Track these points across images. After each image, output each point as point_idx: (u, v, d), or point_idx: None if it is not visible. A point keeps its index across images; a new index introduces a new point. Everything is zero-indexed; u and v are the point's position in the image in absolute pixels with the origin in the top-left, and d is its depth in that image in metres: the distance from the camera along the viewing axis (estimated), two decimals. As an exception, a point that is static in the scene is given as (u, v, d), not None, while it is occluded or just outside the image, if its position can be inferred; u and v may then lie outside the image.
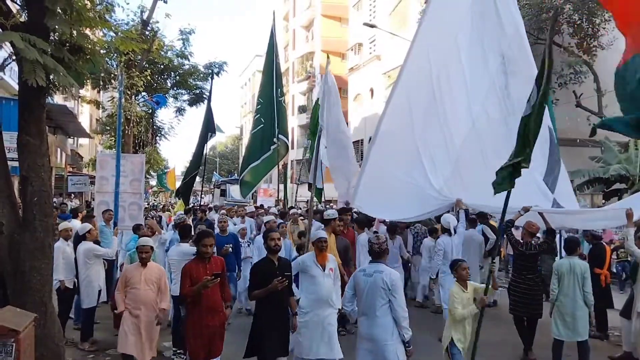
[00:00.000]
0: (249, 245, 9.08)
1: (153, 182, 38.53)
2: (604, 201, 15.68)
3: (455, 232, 7.48)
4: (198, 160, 15.13)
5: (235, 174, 49.11)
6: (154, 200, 42.84)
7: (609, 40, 16.26)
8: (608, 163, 15.63)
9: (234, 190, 23.62)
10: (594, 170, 15.55)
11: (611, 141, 16.30)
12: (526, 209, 6.42)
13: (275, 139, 12.91)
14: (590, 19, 16.13)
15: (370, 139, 24.48)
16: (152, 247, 5.90)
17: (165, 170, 32.95)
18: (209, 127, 14.99)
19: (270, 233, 5.00)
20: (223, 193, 31.11)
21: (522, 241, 6.81)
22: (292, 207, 14.81)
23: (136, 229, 8.27)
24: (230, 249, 7.72)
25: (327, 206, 14.59)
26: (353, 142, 26.08)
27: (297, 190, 18.01)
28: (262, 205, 16.51)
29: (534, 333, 6.70)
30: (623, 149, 16.16)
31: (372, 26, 22.93)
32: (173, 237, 8.25)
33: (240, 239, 8.74)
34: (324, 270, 5.19)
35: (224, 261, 5.25)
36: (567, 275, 6.04)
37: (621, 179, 15.07)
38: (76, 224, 7.97)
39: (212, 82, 16.89)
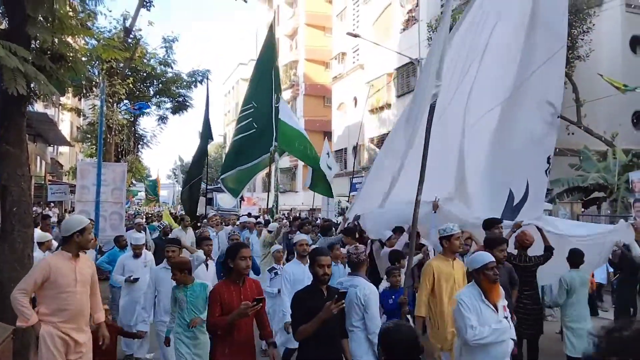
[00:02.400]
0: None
1: (133, 189, 38.15)
2: (583, 209, 15.93)
3: None
4: (200, 167, 15.23)
5: (221, 183, 48.90)
6: (139, 208, 42.20)
7: (586, 51, 16.60)
8: (587, 172, 15.90)
9: (222, 199, 23.41)
10: (573, 179, 15.80)
11: (590, 150, 16.61)
12: (518, 225, 6.27)
13: (271, 147, 12.86)
14: (569, 30, 16.43)
15: (353, 147, 24.40)
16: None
17: (154, 179, 32.75)
18: (208, 133, 15.16)
19: (318, 257, 3.92)
20: (209, 202, 30.83)
21: (515, 254, 6.18)
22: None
23: (117, 240, 8.35)
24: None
25: (318, 216, 14.58)
26: (336, 150, 26.18)
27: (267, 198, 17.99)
28: (249, 214, 16.32)
29: (538, 354, 6.08)
30: (601, 157, 16.45)
31: (355, 36, 23.09)
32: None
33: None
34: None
35: (259, 284, 4.34)
36: (580, 289, 5.81)
37: (600, 187, 15.33)
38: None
39: (208, 88, 16.89)
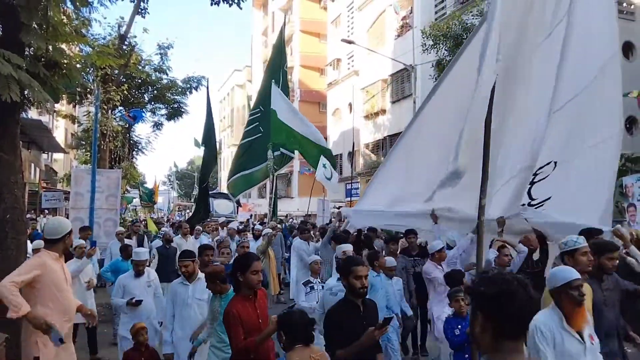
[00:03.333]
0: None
1: (128, 196, 37.98)
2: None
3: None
4: (206, 173, 15.33)
5: (218, 189, 48.85)
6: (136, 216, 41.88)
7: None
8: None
9: (218, 205, 23.38)
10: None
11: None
12: (501, 222, 5.83)
13: (269, 154, 12.87)
14: (562, 36, 16.59)
15: (349, 153, 24.43)
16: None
17: (151, 188, 32.62)
18: (210, 139, 15.19)
19: (354, 268, 3.51)
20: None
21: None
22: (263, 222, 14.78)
23: (122, 249, 7.95)
24: None
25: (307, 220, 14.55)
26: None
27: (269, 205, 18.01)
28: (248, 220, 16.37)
29: None
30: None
31: (350, 42, 23.21)
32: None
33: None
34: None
35: (265, 292, 4.12)
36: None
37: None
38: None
39: (208, 95, 16.88)
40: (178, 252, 7.53)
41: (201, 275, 5.08)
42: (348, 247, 5.83)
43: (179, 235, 10.44)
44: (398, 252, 7.61)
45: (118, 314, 7.23)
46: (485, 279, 1.82)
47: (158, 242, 9.95)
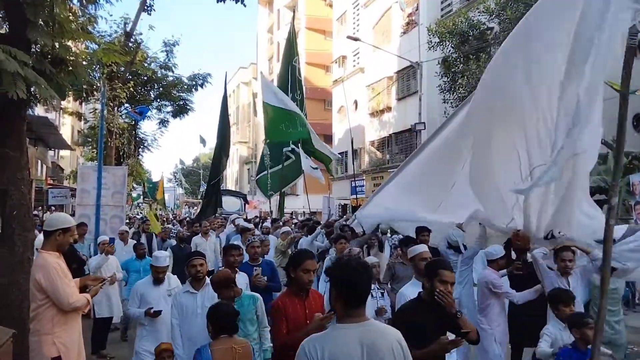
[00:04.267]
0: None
1: (134, 194, 38.11)
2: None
3: (465, 248, 6.59)
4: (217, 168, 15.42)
5: (224, 186, 48.89)
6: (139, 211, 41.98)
7: (587, 54, 16.60)
8: (588, 174, 15.86)
9: (226, 202, 23.48)
10: (574, 181, 15.78)
11: (590, 153, 16.55)
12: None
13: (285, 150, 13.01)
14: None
15: (354, 151, 24.44)
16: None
17: (156, 182, 32.68)
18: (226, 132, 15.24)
19: (441, 271, 3.36)
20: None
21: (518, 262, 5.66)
22: (276, 220, 14.63)
23: (135, 248, 8.01)
24: (263, 280, 5.59)
25: (312, 217, 14.52)
26: (337, 153, 26.05)
27: (278, 202, 18.00)
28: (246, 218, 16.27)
29: None
30: (602, 160, 16.44)
31: (355, 39, 23.15)
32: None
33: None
34: None
35: (323, 297, 3.89)
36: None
37: (600, 190, 15.30)
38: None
39: (226, 89, 16.85)
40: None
41: (208, 280, 4.67)
42: (423, 248, 4.96)
43: (199, 235, 9.92)
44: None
45: (130, 323, 7.17)
46: (339, 265, 2.59)
47: (171, 242, 9.96)
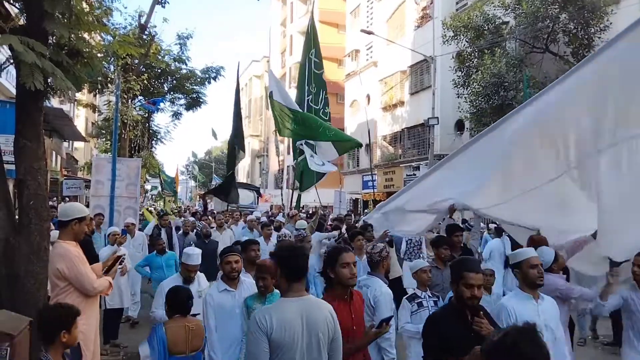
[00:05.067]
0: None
1: (148, 186, 38.37)
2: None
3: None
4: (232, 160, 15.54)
5: (237, 179, 49.02)
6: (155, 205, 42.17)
7: (604, 49, 16.37)
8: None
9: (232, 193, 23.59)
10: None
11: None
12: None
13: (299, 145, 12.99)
14: (586, 28, 16.26)
15: (366, 145, 24.48)
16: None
17: (172, 177, 32.95)
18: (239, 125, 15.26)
19: (465, 273, 3.05)
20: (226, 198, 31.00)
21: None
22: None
23: (153, 243, 7.98)
24: None
25: (323, 211, 14.53)
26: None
27: (292, 195, 18.00)
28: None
29: None
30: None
31: (369, 33, 23.03)
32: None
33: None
34: None
35: (361, 294, 3.66)
36: None
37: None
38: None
39: (238, 80, 16.95)
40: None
41: (244, 277, 4.45)
42: (532, 253, 4.20)
43: (214, 228, 9.81)
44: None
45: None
46: (281, 247, 3.15)
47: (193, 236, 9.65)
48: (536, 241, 5.35)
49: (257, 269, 3.93)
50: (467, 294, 3.02)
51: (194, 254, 4.94)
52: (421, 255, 9.85)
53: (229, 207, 16.96)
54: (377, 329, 3.11)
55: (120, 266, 4.94)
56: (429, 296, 4.74)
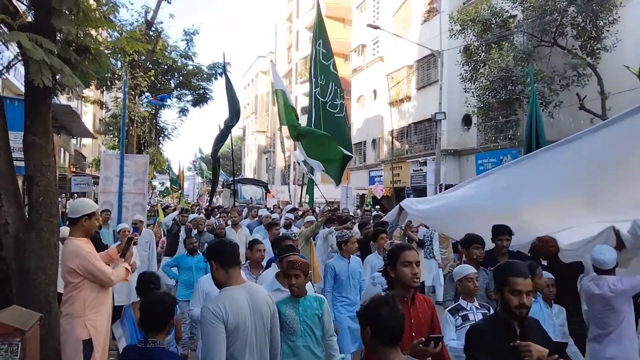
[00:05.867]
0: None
1: (155, 182, 38.53)
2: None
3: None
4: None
5: (243, 174, 49.03)
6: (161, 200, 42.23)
7: (613, 42, 16.23)
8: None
9: (246, 191, 23.57)
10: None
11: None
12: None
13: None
14: (594, 21, 16.11)
15: (373, 141, 24.27)
16: None
17: (177, 174, 33.11)
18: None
19: (512, 279, 2.73)
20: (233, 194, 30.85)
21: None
22: (295, 209, 14.41)
23: (185, 242, 7.47)
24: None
25: (328, 207, 14.47)
26: (355, 144, 26.03)
27: (301, 191, 18.02)
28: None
29: None
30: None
31: (375, 27, 22.94)
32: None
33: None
34: None
35: (432, 303, 3.31)
36: None
37: None
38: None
39: (225, 71, 16.95)
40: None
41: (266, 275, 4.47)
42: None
43: (229, 226, 9.44)
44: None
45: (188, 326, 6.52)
46: (214, 242, 3.56)
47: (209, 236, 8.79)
48: (545, 241, 5.23)
49: (289, 265, 3.74)
50: (514, 302, 2.68)
51: None
52: (433, 251, 9.81)
53: (237, 204, 17.00)
54: (424, 346, 2.69)
55: (133, 240, 4.99)
56: (476, 307, 4.07)
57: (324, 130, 12.72)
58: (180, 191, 32.98)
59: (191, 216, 9.96)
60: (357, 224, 9.47)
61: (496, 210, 5.69)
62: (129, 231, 7.45)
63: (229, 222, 9.65)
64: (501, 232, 5.19)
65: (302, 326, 3.59)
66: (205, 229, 8.91)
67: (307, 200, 14.24)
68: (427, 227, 9.46)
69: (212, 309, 2.90)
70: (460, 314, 4.03)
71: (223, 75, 16.55)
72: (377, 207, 20.33)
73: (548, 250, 5.17)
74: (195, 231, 8.65)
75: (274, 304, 3.22)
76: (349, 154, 12.37)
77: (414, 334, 2.95)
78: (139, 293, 4.32)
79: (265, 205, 17.66)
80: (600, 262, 4.50)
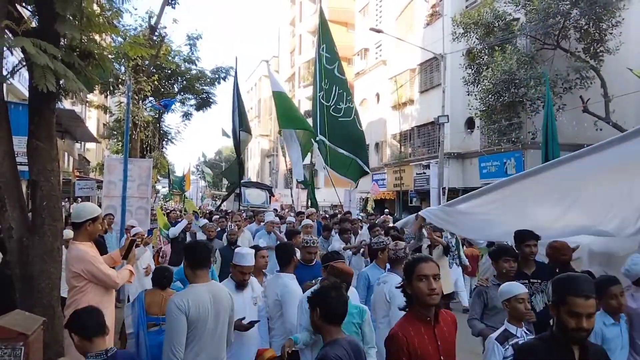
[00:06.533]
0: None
1: (159, 186, 38.56)
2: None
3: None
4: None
5: (248, 177, 49.03)
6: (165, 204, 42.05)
7: (616, 45, 16.20)
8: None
9: (250, 194, 23.53)
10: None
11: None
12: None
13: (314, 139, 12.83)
14: (597, 24, 16.10)
15: (376, 144, 24.27)
16: None
17: (181, 176, 33.08)
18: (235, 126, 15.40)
19: (572, 299, 2.38)
20: (237, 197, 30.64)
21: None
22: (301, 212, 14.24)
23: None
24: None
25: (336, 211, 14.44)
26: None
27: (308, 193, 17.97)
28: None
29: None
30: None
31: (378, 31, 22.96)
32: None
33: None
34: None
35: (455, 318, 2.94)
36: None
37: None
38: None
39: (236, 73, 16.96)
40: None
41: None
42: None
43: (263, 231, 9.29)
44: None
45: None
46: (187, 243, 4.98)
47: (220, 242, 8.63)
48: (556, 247, 4.81)
49: (337, 274, 3.73)
50: (571, 325, 2.34)
51: (248, 254, 4.38)
52: (458, 258, 8.77)
53: (241, 207, 16.98)
54: None
55: (135, 241, 5.06)
56: (526, 333, 3.52)
57: (328, 134, 12.76)
58: (183, 194, 32.87)
59: (201, 221, 9.87)
60: (368, 225, 9.35)
61: (519, 219, 5.37)
62: (144, 234, 7.26)
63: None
64: (526, 237, 4.67)
65: None
66: (216, 235, 8.61)
67: (309, 204, 14.21)
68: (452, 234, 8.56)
69: (176, 302, 3.36)
70: (510, 342, 3.39)
71: (234, 80, 16.56)
72: (386, 210, 20.27)
73: (560, 258, 4.71)
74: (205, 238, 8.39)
75: (231, 300, 3.67)
76: (367, 170, 13.05)
77: (442, 358, 2.65)
78: (154, 284, 5.14)
79: (276, 211, 17.49)
80: (636, 273, 4.04)
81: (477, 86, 17.96)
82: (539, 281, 4.56)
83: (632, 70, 14.76)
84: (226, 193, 29.08)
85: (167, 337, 3.39)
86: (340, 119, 13.23)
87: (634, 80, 15.08)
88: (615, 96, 16.68)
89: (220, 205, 17.64)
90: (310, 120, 14.02)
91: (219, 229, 9.65)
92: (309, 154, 14.17)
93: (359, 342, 3.04)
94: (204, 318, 3.42)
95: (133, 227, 8.04)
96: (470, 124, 21.72)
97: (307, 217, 10.62)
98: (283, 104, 12.92)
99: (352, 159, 12.92)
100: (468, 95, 18.70)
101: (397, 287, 3.01)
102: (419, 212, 6.92)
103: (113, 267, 4.60)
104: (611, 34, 16.24)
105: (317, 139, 12.73)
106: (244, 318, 4.15)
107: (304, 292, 4.41)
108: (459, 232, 7.06)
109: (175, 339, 3.32)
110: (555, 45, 16.85)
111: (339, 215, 11.88)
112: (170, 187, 32.75)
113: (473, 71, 18.30)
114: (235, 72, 17.20)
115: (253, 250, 4.63)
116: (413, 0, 25.61)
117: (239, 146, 16.27)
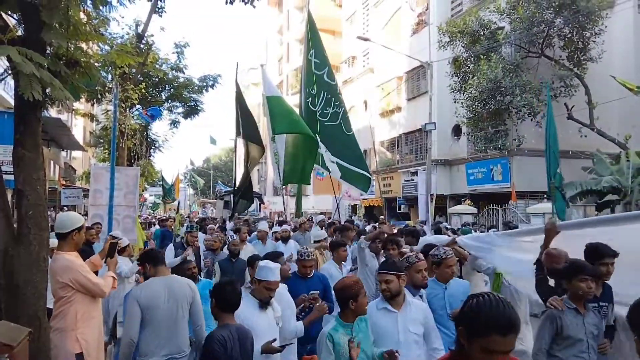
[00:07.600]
0: None
1: (146, 195, 38.30)
2: (597, 212, 15.78)
3: None
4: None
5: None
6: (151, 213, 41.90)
7: (599, 52, 16.48)
8: (600, 175, 15.76)
9: (240, 202, 23.48)
10: (586, 182, 15.69)
11: (602, 153, 16.46)
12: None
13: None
14: (581, 32, 16.38)
15: (364, 151, 24.41)
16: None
17: (172, 185, 32.83)
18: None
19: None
20: (227, 205, 30.40)
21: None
22: (283, 222, 14.14)
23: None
24: (324, 305, 4.29)
25: (327, 217, 14.47)
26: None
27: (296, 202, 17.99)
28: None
29: None
30: (614, 160, 16.31)
31: (365, 39, 23.13)
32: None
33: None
34: None
35: None
36: None
37: (613, 190, 15.20)
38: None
39: (237, 81, 16.90)
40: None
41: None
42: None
43: (256, 241, 8.64)
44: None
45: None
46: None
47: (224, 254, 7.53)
48: (551, 255, 4.21)
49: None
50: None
51: (274, 268, 3.87)
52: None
53: (237, 215, 16.86)
54: None
55: (116, 243, 5.01)
56: None
57: (320, 138, 12.73)
58: (173, 202, 32.61)
59: (202, 236, 8.97)
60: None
61: None
62: (120, 239, 7.04)
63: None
64: (605, 254, 3.83)
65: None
66: (220, 248, 7.85)
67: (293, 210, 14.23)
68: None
69: (132, 293, 3.99)
70: None
71: (235, 87, 16.50)
72: (382, 217, 20.30)
73: (552, 266, 4.14)
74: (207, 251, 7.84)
75: (195, 291, 4.11)
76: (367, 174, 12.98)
77: None
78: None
79: (270, 221, 17.24)
80: None
81: (463, 94, 18.15)
82: (607, 304, 3.89)
83: (615, 77, 15.02)
84: (215, 201, 28.92)
85: (125, 325, 4.02)
86: (326, 124, 13.26)
87: (617, 87, 15.34)
88: (599, 103, 16.95)
89: (233, 215, 16.91)
90: None
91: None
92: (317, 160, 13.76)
93: (248, 330, 3.46)
94: (156, 305, 3.90)
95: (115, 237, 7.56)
96: (457, 131, 21.91)
97: (300, 226, 10.58)
98: (279, 108, 12.77)
99: (347, 167, 12.86)
100: (455, 102, 18.88)
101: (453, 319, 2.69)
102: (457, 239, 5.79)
103: (96, 273, 4.57)
104: (594, 42, 16.52)
105: (324, 151, 12.57)
106: (274, 340, 3.67)
107: (297, 306, 4.41)
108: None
109: (131, 325, 3.90)
110: (540, 54, 17.10)
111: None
112: (163, 195, 32.50)
113: (459, 79, 18.50)
114: (236, 79, 17.14)
115: (278, 265, 4.02)
116: (399, 9, 25.85)
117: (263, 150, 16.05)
